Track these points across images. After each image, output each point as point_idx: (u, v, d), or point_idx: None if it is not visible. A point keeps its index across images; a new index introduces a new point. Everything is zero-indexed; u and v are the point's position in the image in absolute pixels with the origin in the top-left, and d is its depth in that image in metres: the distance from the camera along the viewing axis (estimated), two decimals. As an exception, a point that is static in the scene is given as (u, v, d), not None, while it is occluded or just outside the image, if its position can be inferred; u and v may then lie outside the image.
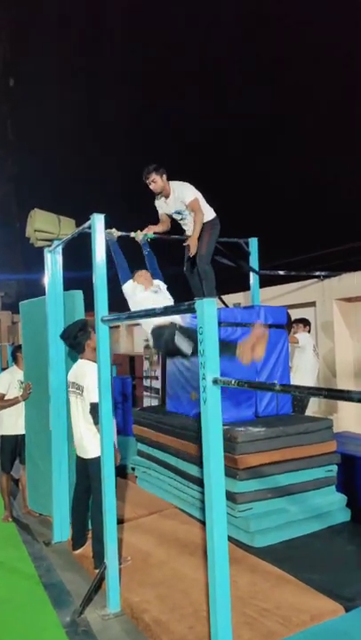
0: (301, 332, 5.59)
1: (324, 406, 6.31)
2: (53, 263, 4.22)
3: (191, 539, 3.84)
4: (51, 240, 4.19)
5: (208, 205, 4.56)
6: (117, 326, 13.65)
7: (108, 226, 3.91)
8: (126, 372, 10.90)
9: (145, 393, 8.58)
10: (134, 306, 3.87)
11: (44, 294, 4.22)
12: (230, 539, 3.75)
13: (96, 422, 3.37)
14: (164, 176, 4.40)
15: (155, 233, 4.57)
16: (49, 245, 4.20)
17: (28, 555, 3.97)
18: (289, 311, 5.67)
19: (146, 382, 8.70)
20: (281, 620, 2.75)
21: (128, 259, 4.15)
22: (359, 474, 4.25)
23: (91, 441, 3.56)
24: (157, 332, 3.64)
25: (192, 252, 4.23)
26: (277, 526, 3.82)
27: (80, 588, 3.34)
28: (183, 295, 4.75)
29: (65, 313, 4.19)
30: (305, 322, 5.66)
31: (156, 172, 4.36)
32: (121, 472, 5.47)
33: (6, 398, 4.73)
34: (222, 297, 6.02)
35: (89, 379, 3.47)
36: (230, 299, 6.78)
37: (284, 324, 4.79)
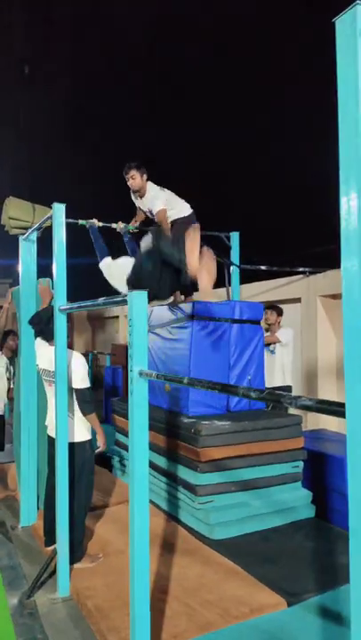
0: (275, 322, 5.52)
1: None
2: (27, 251, 4.24)
3: (154, 530, 3.81)
4: (25, 228, 4.22)
5: (184, 202, 4.57)
6: (117, 316, 13.71)
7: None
8: (123, 362, 11.00)
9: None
10: (112, 279, 3.88)
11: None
12: (190, 530, 3.85)
13: (82, 409, 3.42)
14: (145, 176, 4.44)
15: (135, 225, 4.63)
16: (23, 233, 4.23)
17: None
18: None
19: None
20: (221, 611, 2.78)
21: (110, 245, 4.20)
22: (326, 471, 4.24)
23: (77, 424, 3.50)
24: (138, 266, 3.53)
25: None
26: (238, 520, 3.83)
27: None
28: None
29: (37, 300, 4.23)
30: (278, 310, 5.57)
31: (138, 169, 4.39)
32: (103, 461, 5.54)
33: None
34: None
35: (71, 366, 3.49)
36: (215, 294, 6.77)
37: (259, 320, 4.77)
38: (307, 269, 6.02)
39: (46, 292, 4.07)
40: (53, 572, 3.30)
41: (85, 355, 12.87)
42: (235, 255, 5.20)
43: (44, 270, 4.35)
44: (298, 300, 6.42)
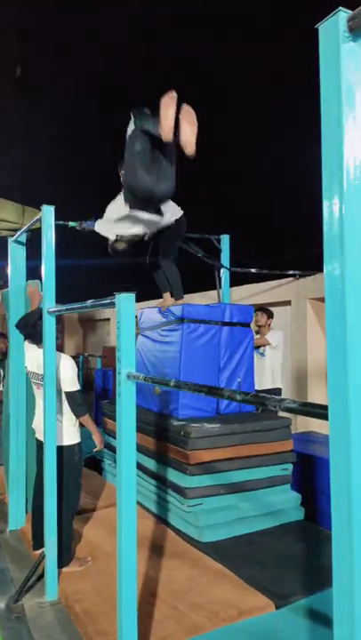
0: (265, 324, 5.55)
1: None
2: (17, 253, 4.23)
3: (143, 532, 3.86)
4: (14, 230, 4.21)
5: (175, 205, 4.56)
6: (108, 319, 13.71)
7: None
8: (114, 365, 10.98)
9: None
10: (109, 231, 3.84)
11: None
12: (179, 533, 3.84)
13: (75, 411, 3.42)
14: None
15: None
16: (12, 235, 4.21)
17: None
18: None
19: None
20: (209, 614, 2.77)
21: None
22: (316, 473, 4.26)
23: (66, 427, 3.49)
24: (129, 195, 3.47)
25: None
26: (227, 522, 3.83)
27: (25, 577, 3.38)
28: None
29: (26, 302, 4.21)
30: (268, 312, 5.60)
31: None
32: (93, 464, 5.53)
33: None
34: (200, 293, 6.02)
35: (60, 369, 3.47)
36: (206, 296, 6.79)
37: (249, 323, 4.78)
38: (296, 272, 6.05)
39: (35, 294, 4.06)
40: (42, 576, 3.28)
41: (76, 357, 12.88)
42: (225, 258, 5.22)
43: (34, 272, 4.35)
44: (288, 303, 6.46)
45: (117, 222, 3.76)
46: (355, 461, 0.99)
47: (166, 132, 2.91)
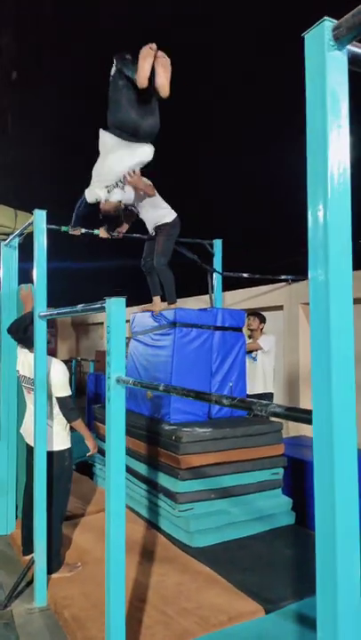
0: (257, 328, 5.57)
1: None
2: (9, 257, 4.22)
3: (133, 537, 3.85)
4: (7, 234, 4.20)
5: (168, 207, 4.60)
6: (101, 323, 13.68)
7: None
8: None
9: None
10: (97, 186, 3.98)
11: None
12: (170, 538, 3.83)
13: (67, 417, 3.40)
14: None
15: (119, 232, 4.65)
16: (4, 239, 4.21)
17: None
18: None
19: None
20: (199, 619, 2.77)
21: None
22: (307, 478, 4.26)
23: (56, 432, 3.47)
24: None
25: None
26: (218, 527, 3.83)
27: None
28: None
29: (18, 306, 4.20)
30: (260, 317, 5.61)
31: None
32: (84, 468, 5.50)
33: None
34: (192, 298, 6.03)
35: (51, 374, 3.46)
36: (200, 300, 6.81)
37: (241, 327, 4.80)
38: (289, 277, 6.08)
39: (28, 298, 4.04)
40: (31, 582, 3.26)
41: (69, 361, 12.85)
42: (217, 263, 5.24)
43: (27, 275, 4.35)
44: (280, 308, 6.48)
45: (103, 178, 3.94)
46: (338, 465, 1.00)
47: (141, 81, 3.24)
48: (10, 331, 3.73)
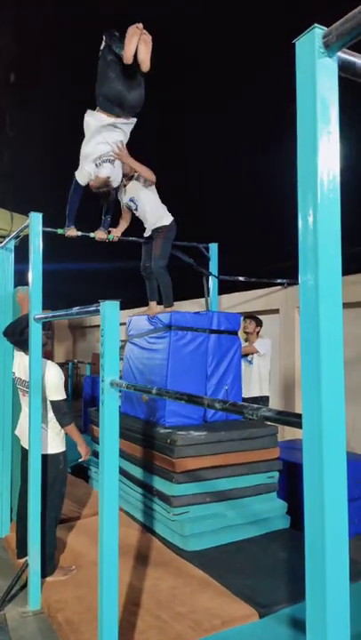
0: (253, 331, 5.57)
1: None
2: (5, 260, 4.22)
3: (127, 541, 3.85)
4: (3, 237, 4.20)
5: (166, 210, 4.61)
6: (98, 325, 13.68)
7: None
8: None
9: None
10: (85, 165, 4.11)
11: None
12: (165, 541, 3.83)
13: (60, 421, 3.38)
14: None
15: (115, 235, 4.67)
16: (0, 242, 4.21)
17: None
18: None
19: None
20: (192, 624, 2.76)
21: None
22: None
23: (51, 436, 3.47)
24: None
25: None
26: (213, 531, 3.82)
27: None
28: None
29: (14, 309, 4.20)
30: (257, 320, 5.62)
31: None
32: (80, 472, 5.49)
33: None
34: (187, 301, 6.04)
35: (46, 377, 3.47)
36: (197, 303, 6.81)
37: (236, 330, 4.80)
38: (285, 281, 6.09)
39: (25, 301, 4.04)
40: (25, 585, 3.25)
41: (66, 364, 12.83)
42: (213, 266, 5.25)
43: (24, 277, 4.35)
44: (276, 312, 6.49)
45: (90, 158, 4.09)
46: (327, 468, 1.01)
47: (127, 57, 3.56)
48: (6, 333, 3.73)
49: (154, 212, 4.56)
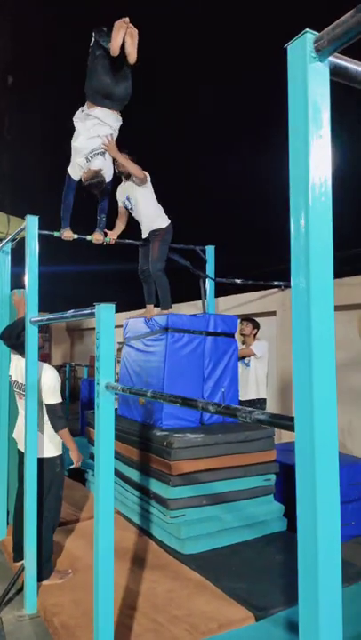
0: (250, 333, 5.58)
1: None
2: (2, 262, 4.22)
3: (124, 544, 3.84)
4: (0, 239, 4.20)
5: (163, 211, 4.62)
6: (95, 328, 13.67)
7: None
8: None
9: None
10: (77, 156, 4.21)
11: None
12: (162, 544, 3.82)
13: (54, 424, 3.36)
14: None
15: (111, 237, 4.67)
16: (-3, 245, 4.21)
17: None
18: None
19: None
20: (188, 627, 2.76)
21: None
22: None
23: (48, 439, 3.45)
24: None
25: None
26: (210, 534, 3.82)
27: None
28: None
29: (11, 311, 4.19)
30: (254, 323, 5.63)
31: (129, 154, 4.50)
32: (77, 475, 5.48)
33: None
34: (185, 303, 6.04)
35: (42, 380, 3.47)
36: (194, 306, 6.82)
37: (233, 333, 4.81)
38: (281, 283, 6.10)
39: (21, 304, 4.04)
40: (21, 589, 3.24)
41: (63, 366, 12.81)
42: (210, 269, 5.26)
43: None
44: (273, 314, 6.50)
45: (81, 153, 4.18)
46: (319, 471, 1.01)
47: (114, 49, 3.71)
48: (2, 337, 3.72)
49: (149, 213, 4.57)
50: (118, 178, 4.69)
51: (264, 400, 5.61)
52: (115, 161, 4.36)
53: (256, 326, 5.63)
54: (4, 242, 4.15)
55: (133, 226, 4.78)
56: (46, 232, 4.09)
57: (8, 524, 4.13)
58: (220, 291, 5.97)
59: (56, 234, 4.31)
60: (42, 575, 3.24)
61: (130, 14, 3.81)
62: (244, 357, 5.51)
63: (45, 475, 3.34)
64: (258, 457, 4.16)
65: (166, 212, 4.66)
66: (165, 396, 1.64)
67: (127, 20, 3.68)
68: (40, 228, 3.37)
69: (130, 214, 4.74)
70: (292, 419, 1.08)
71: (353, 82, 1.14)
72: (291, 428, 1.08)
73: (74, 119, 4.21)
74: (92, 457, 5.32)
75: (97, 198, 4.46)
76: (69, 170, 4.29)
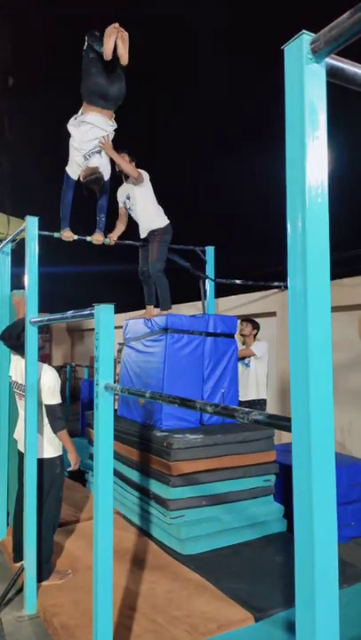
0: (250, 334, 5.58)
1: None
2: (2, 263, 4.22)
3: (124, 545, 3.84)
4: (0, 240, 4.20)
5: (162, 211, 4.63)
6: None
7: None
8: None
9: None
10: (76, 155, 4.29)
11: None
12: (161, 545, 3.82)
13: (52, 425, 3.36)
14: (133, 163, 4.58)
15: (111, 238, 4.68)
16: (-4, 245, 4.21)
17: None
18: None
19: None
20: (188, 628, 2.76)
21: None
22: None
23: (47, 440, 3.46)
24: None
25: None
26: (209, 534, 3.82)
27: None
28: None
29: (11, 312, 4.20)
30: (253, 323, 5.63)
31: (129, 155, 4.56)
32: (78, 475, 5.48)
33: None
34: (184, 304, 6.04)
35: (42, 380, 3.47)
36: (194, 306, 6.82)
37: (233, 333, 4.81)
38: (281, 284, 6.10)
39: (21, 304, 4.04)
40: (21, 589, 3.24)
41: (64, 367, 12.82)
42: (210, 269, 5.26)
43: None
44: (273, 314, 6.50)
45: (78, 153, 4.27)
46: (316, 472, 1.01)
47: (107, 53, 3.88)
48: (2, 337, 3.72)
49: (148, 212, 4.57)
50: (119, 179, 4.70)
51: (264, 401, 5.61)
52: (113, 160, 4.39)
53: (256, 327, 5.63)
54: (3, 242, 4.16)
55: (134, 227, 4.79)
56: (46, 233, 4.09)
57: (8, 524, 4.13)
58: (220, 291, 5.96)
59: (56, 234, 4.32)
60: (41, 576, 3.24)
61: (129, 14, 3.86)
62: (244, 358, 5.51)
63: (45, 475, 3.34)
64: (258, 457, 4.16)
65: (166, 212, 4.66)
66: (164, 396, 1.64)
67: (117, 25, 3.88)
68: (40, 229, 3.37)
69: (130, 215, 4.75)
70: (289, 419, 1.08)
71: (350, 83, 1.14)
72: (288, 429, 1.08)
73: (68, 126, 4.31)
74: (92, 457, 5.33)
75: (97, 197, 4.48)
76: (67, 169, 4.34)
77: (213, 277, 5.30)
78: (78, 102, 4.33)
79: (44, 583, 3.26)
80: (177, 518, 3.78)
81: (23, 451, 3.44)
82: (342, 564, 3.33)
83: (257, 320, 5.76)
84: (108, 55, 3.89)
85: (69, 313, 2.46)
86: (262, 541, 3.94)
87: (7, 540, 3.95)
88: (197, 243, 5.34)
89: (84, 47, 4.18)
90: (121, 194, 4.76)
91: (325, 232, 1.07)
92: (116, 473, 4.57)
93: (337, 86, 1.16)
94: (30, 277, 3.21)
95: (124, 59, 3.95)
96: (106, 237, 4.61)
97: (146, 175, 4.58)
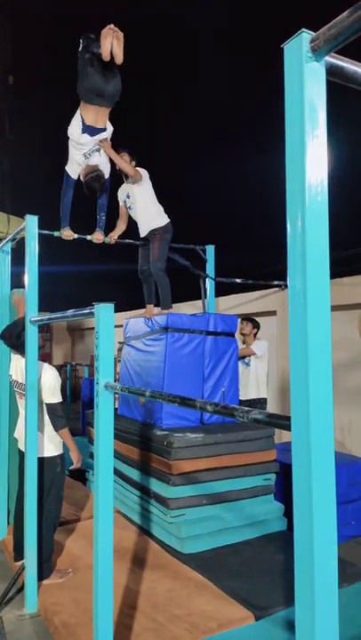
0: (250, 333, 5.58)
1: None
2: (2, 262, 4.22)
3: (124, 544, 3.84)
4: (0, 239, 4.20)
5: (162, 210, 4.63)
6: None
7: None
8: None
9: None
10: (75, 153, 4.34)
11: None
12: (162, 544, 3.83)
13: (54, 424, 3.37)
14: (133, 163, 4.59)
15: (111, 237, 4.68)
16: (-3, 244, 4.21)
17: None
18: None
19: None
20: (188, 626, 2.76)
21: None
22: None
23: (48, 438, 3.46)
24: None
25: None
26: (210, 533, 3.82)
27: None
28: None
29: (11, 311, 4.20)
30: (254, 322, 5.63)
31: (130, 154, 4.56)
32: (78, 474, 5.48)
33: None
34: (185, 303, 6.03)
35: (42, 379, 3.48)
36: (195, 305, 6.82)
37: (233, 332, 4.81)
38: (281, 283, 6.10)
39: (21, 303, 4.04)
40: (22, 588, 3.24)
41: (64, 366, 12.83)
42: (210, 268, 5.26)
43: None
44: (273, 313, 6.50)
45: (78, 152, 4.32)
46: (315, 470, 1.01)
47: (105, 54, 3.97)
48: (2, 336, 3.72)
49: (147, 211, 4.58)
50: (119, 178, 4.70)
51: (265, 400, 5.61)
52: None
53: (256, 326, 5.63)
54: (3, 242, 4.16)
55: (134, 226, 4.79)
56: (46, 232, 4.10)
57: (8, 523, 4.13)
58: (220, 290, 5.96)
59: (56, 233, 4.32)
60: (42, 574, 3.25)
61: (129, 14, 3.87)
62: (244, 357, 5.51)
63: (46, 474, 3.34)
64: (258, 456, 4.16)
65: (166, 211, 4.66)
66: (164, 395, 1.65)
67: (112, 26, 4.00)
68: (40, 228, 3.37)
69: (130, 215, 4.75)
70: (288, 418, 1.08)
71: (349, 82, 1.14)
72: (288, 428, 1.09)
73: (68, 133, 4.35)
74: (92, 456, 5.33)
75: (97, 196, 4.49)
76: (67, 168, 4.36)
77: (214, 276, 5.30)
78: (78, 102, 4.33)
79: (44, 582, 3.27)
80: (177, 517, 3.78)
81: (24, 450, 3.44)
82: (342, 562, 3.34)
83: (257, 319, 5.76)
84: (106, 55, 3.98)
85: (70, 312, 2.46)
86: (262, 540, 3.94)
87: (8, 539, 3.96)
88: (197, 241, 5.34)
89: (79, 49, 4.27)
90: (121, 193, 4.77)
91: (325, 231, 1.07)
92: (117, 472, 4.58)
93: (337, 85, 1.16)
94: (30, 276, 3.21)
95: (119, 58, 4.05)
96: (106, 236, 4.61)
97: (145, 174, 4.58)
